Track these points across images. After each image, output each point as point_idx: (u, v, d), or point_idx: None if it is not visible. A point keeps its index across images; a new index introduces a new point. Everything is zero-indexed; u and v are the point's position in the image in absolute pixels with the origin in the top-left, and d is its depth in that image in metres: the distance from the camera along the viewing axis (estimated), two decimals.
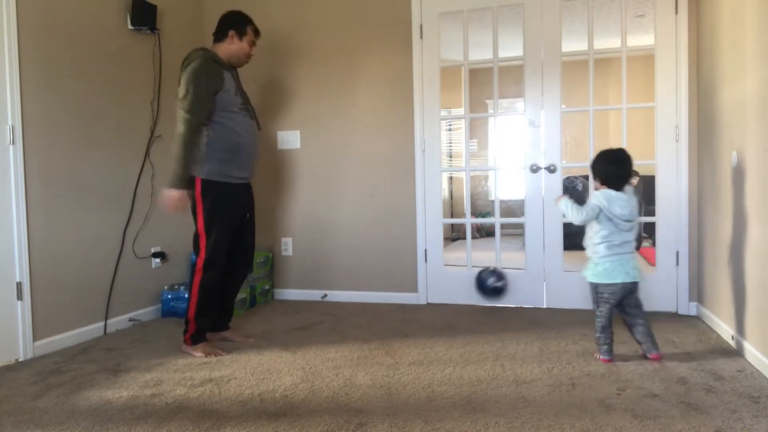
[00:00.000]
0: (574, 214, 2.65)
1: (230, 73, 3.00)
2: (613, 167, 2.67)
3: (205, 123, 2.84)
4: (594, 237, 2.67)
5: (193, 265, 2.95)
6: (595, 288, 2.68)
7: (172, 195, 2.80)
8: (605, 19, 5.59)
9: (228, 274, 3.04)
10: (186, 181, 2.82)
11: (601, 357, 2.71)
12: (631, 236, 2.65)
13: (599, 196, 2.64)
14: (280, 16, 4.27)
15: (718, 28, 3.12)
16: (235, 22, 3.02)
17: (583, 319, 3.52)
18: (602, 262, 2.63)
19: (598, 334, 2.71)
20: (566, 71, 3.83)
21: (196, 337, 2.95)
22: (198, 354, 2.92)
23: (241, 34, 3.03)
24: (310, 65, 4.22)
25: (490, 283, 3.18)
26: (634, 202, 2.66)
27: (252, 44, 3.08)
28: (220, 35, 3.04)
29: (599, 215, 2.62)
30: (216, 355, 2.91)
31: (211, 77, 2.85)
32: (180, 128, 2.81)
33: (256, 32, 3.11)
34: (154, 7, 3.76)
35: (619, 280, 2.60)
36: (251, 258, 3.22)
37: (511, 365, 2.67)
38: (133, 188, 3.68)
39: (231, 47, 3.02)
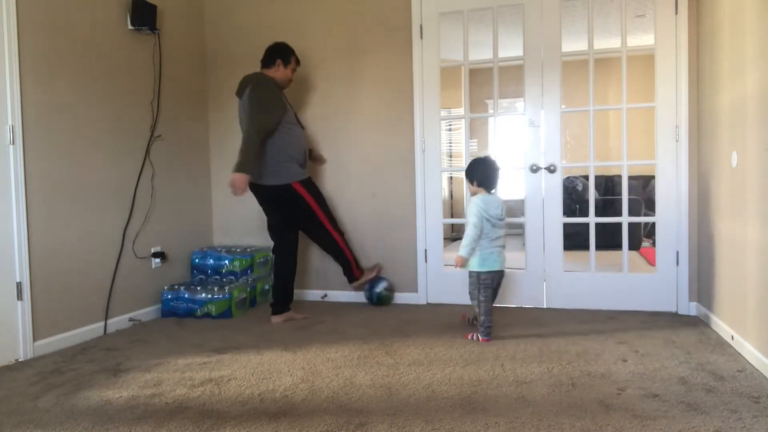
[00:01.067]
0: (471, 243, 3.02)
1: (282, 94, 3.59)
2: (487, 171, 3.10)
3: (270, 132, 3.42)
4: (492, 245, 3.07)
5: (330, 236, 3.75)
6: (478, 276, 3.08)
7: (237, 176, 3.30)
8: (605, 19, 5.59)
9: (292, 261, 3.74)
10: (250, 165, 3.34)
11: (482, 338, 3.06)
12: (503, 232, 3.12)
13: (477, 201, 3.04)
14: (280, 16, 4.27)
15: (718, 28, 3.12)
16: (282, 52, 3.60)
17: (583, 319, 3.52)
18: (485, 254, 3.05)
19: (484, 317, 3.07)
20: (566, 71, 3.83)
21: (281, 308, 3.63)
22: (283, 319, 3.60)
23: (285, 63, 3.61)
24: (310, 65, 4.22)
25: (378, 290, 3.94)
26: (502, 204, 3.13)
27: (293, 71, 3.67)
28: (268, 62, 3.60)
29: (485, 223, 3.03)
30: (303, 317, 3.69)
31: (278, 94, 3.49)
32: (248, 135, 3.35)
33: (298, 62, 3.71)
34: (154, 7, 3.76)
35: (497, 268, 3.08)
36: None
37: (511, 365, 2.67)
38: (133, 188, 3.69)
39: (276, 73, 3.58)
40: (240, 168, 3.31)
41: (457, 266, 3.10)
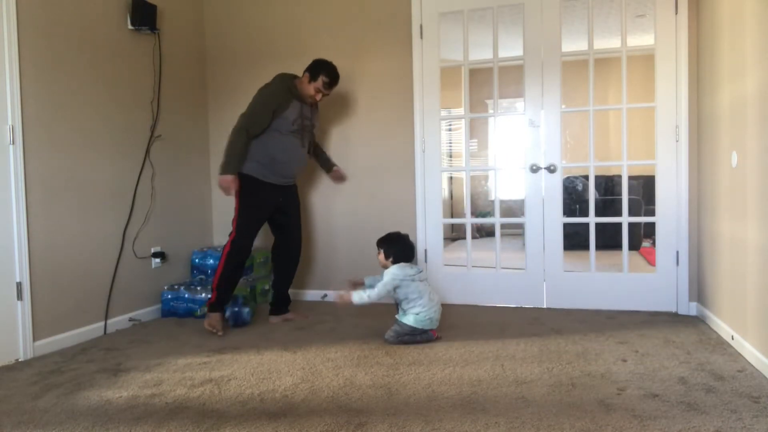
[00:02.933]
0: (373, 297, 3.06)
1: (300, 103, 3.47)
2: (405, 249, 3.19)
3: (252, 137, 3.36)
4: (411, 298, 3.06)
5: (224, 244, 3.46)
6: (412, 330, 3.05)
7: (224, 178, 3.32)
8: (605, 19, 5.59)
9: (278, 268, 3.70)
10: (233, 168, 3.32)
11: None
12: (429, 286, 3.16)
13: (392, 271, 3.08)
14: (280, 15, 4.28)
15: (718, 28, 3.12)
16: (313, 68, 3.46)
17: (583, 319, 3.52)
18: (427, 313, 3.06)
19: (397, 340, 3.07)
20: (566, 71, 3.83)
21: (214, 306, 3.39)
22: (206, 324, 3.35)
23: (311, 80, 3.45)
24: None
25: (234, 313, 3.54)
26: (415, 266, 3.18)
27: (318, 91, 3.46)
28: (304, 71, 3.50)
29: (400, 283, 3.04)
30: (216, 331, 3.31)
31: (272, 101, 3.37)
32: (235, 130, 3.34)
33: (327, 85, 3.47)
34: (154, 7, 3.76)
35: (428, 327, 3.08)
36: (297, 252, 3.73)
37: (511, 365, 2.67)
38: (133, 188, 3.68)
39: (302, 85, 3.48)
40: (222, 170, 3.33)
41: (339, 301, 3.15)
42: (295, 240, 3.70)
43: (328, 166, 3.98)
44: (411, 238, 4.04)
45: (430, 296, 3.09)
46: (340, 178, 4.08)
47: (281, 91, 3.42)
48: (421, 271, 3.14)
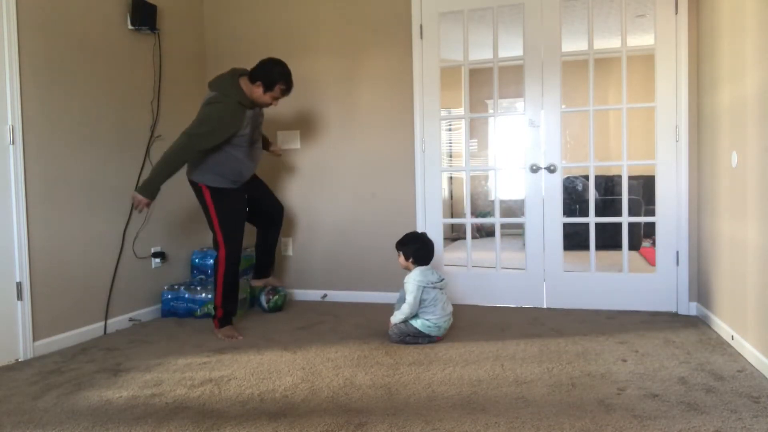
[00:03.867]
0: (407, 312, 3.02)
1: (252, 111, 3.25)
2: (424, 248, 3.16)
3: (184, 162, 3.15)
4: (426, 304, 3.04)
5: (216, 260, 3.32)
6: (417, 332, 3.04)
7: (138, 197, 3.08)
8: (605, 19, 5.59)
9: (264, 235, 3.68)
10: (154, 192, 3.11)
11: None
12: (446, 295, 3.15)
13: (416, 275, 3.05)
14: (280, 16, 4.27)
15: (718, 28, 3.12)
16: (267, 76, 3.15)
17: (583, 319, 3.52)
18: (436, 321, 3.04)
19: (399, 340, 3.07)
20: (566, 71, 3.83)
21: (223, 321, 3.33)
22: (220, 336, 3.27)
23: (266, 90, 3.19)
24: (310, 65, 4.22)
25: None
26: (436, 271, 3.16)
27: (275, 99, 3.25)
28: (252, 77, 3.19)
29: (424, 294, 3.03)
30: (235, 338, 3.24)
31: (229, 126, 3.12)
32: (176, 150, 3.07)
33: (284, 91, 3.26)
34: (154, 7, 3.76)
35: (435, 335, 3.07)
36: (280, 215, 3.71)
37: (511, 365, 2.67)
38: (133, 188, 3.68)
39: (254, 94, 3.20)
40: (143, 188, 3.08)
41: (390, 329, 3.10)
42: (274, 205, 3.67)
43: (265, 147, 3.72)
44: None
45: (444, 306, 3.08)
46: (276, 152, 3.84)
47: (233, 109, 3.12)
48: (443, 279, 3.12)
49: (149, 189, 3.08)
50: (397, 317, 3.06)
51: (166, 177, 3.09)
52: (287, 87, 3.25)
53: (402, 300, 3.10)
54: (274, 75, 3.16)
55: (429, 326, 3.04)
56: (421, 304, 3.04)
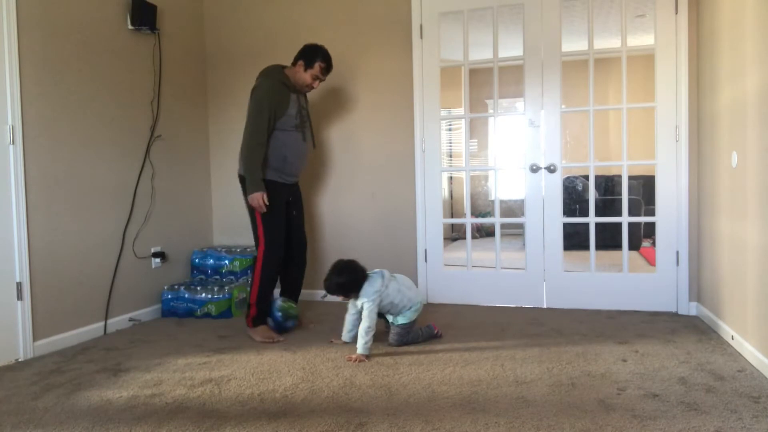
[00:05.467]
0: (371, 332, 2.84)
1: (296, 95, 3.33)
2: (349, 274, 2.95)
3: (263, 146, 3.19)
4: (396, 302, 2.94)
5: (255, 257, 3.30)
6: (411, 325, 3.00)
7: (255, 197, 3.17)
8: (605, 19, 5.59)
9: (286, 270, 3.48)
10: (261, 184, 3.18)
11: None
12: (394, 276, 3.03)
13: (367, 294, 2.88)
14: (280, 15, 4.28)
15: (718, 28, 3.12)
16: (307, 54, 3.30)
17: (583, 319, 3.52)
18: (413, 303, 2.98)
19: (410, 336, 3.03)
20: (566, 71, 3.83)
21: (256, 320, 3.26)
22: (258, 338, 3.19)
23: (307, 67, 3.30)
24: None
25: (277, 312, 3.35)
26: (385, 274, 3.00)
27: (315, 78, 3.33)
28: (294, 60, 3.34)
29: (385, 298, 2.91)
30: (273, 341, 3.17)
31: (276, 104, 3.21)
32: (247, 138, 3.18)
33: (324, 70, 3.34)
34: (154, 7, 3.76)
35: (420, 311, 3.05)
36: (302, 251, 3.54)
37: (511, 365, 2.67)
38: (133, 188, 3.68)
39: (296, 75, 3.32)
40: (250, 189, 3.16)
41: (357, 362, 2.77)
42: (300, 241, 3.51)
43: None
44: (411, 238, 4.08)
45: (405, 287, 2.97)
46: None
47: (276, 88, 3.22)
48: (382, 273, 2.97)
49: (254, 184, 3.16)
50: (362, 344, 2.81)
51: (256, 166, 3.16)
52: (327, 65, 3.33)
53: (354, 321, 2.98)
54: (314, 52, 3.30)
55: (415, 311, 2.98)
56: (392, 306, 2.93)
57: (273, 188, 3.25)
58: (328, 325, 3.51)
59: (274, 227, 3.28)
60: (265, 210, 3.19)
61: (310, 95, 4.22)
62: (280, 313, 3.30)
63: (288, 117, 3.26)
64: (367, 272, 2.98)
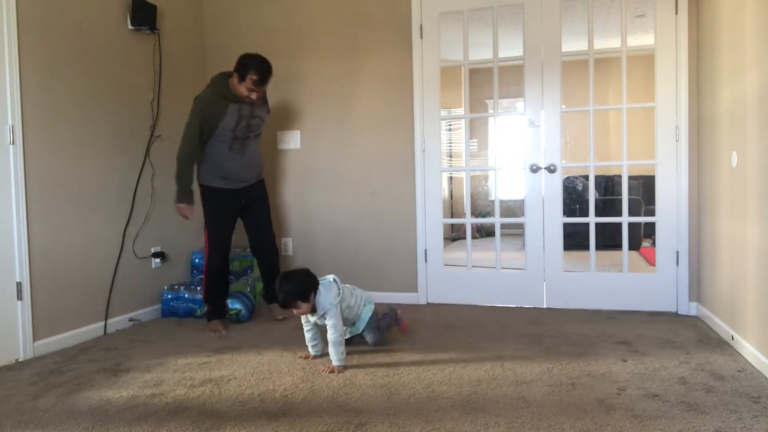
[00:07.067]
0: (340, 338, 2.71)
1: (237, 105, 3.32)
2: (303, 279, 2.74)
3: (194, 159, 3.33)
4: (352, 305, 2.87)
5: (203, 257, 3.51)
6: (377, 317, 2.97)
7: (178, 206, 3.36)
8: (605, 19, 5.59)
9: (260, 263, 3.71)
10: (186, 195, 3.32)
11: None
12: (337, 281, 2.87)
13: (326, 305, 2.71)
14: (279, 16, 4.28)
15: (718, 28, 3.12)
16: (240, 66, 3.27)
17: (583, 319, 3.52)
18: (366, 298, 2.96)
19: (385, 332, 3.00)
20: (566, 71, 3.83)
21: (209, 315, 3.50)
22: (210, 329, 3.42)
23: (240, 79, 3.26)
24: (309, 65, 4.22)
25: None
26: (335, 281, 2.84)
27: (250, 91, 3.26)
28: (233, 70, 3.31)
29: (344, 303, 2.81)
30: (217, 332, 3.37)
31: (208, 117, 3.26)
32: (180, 148, 3.31)
33: (257, 83, 3.25)
34: (154, 7, 3.76)
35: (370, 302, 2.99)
36: (270, 245, 3.67)
37: (511, 365, 2.67)
38: (133, 188, 3.68)
39: (234, 86, 3.30)
40: (176, 198, 3.33)
41: (337, 374, 2.62)
42: (266, 237, 3.64)
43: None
44: (411, 238, 4.08)
45: (348, 287, 2.90)
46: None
47: (209, 101, 3.27)
48: (334, 278, 2.83)
49: (180, 195, 3.31)
50: (338, 357, 2.67)
51: (184, 177, 3.30)
52: (259, 78, 3.23)
53: (315, 334, 2.87)
54: (246, 66, 3.23)
55: (370, 302, 2.95)
56: (350, 310, 2.86)
57: (216, 194, 3.42)
58: None
59: (218, 230, 3.46)
60: (187, 219, 3.42)
61: (311, 95, 4.22)
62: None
63: (222, 129, 3.28)
64: (313, 279, 2.78)
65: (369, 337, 2.96)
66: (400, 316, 3.07)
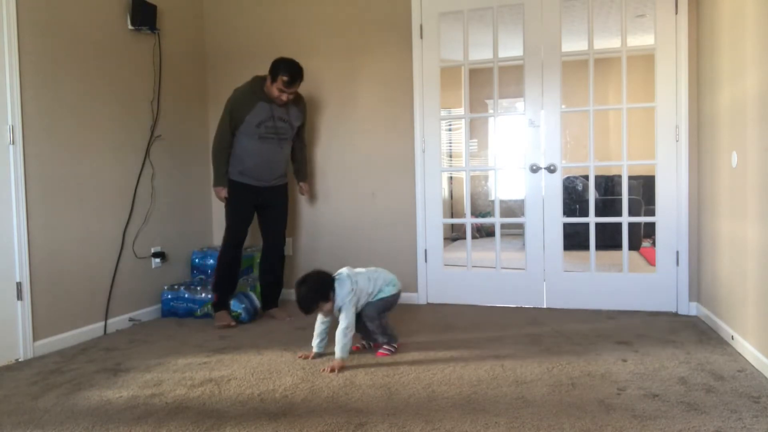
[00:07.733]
0: (350, 331, 2.73)
1: (269, 104, 3.50)
2: (320, 280, 2.78)
3: (225, 146, 3.54)
4: (370, 291, 2.85)
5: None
6: (383, 301, 2.88)
7: (215, 189, 3.62)
8: (605, 19, 5.59)
9: (262, 264, 3.81)
10: (221, 179, 3.56)
11: (394, 345, 2.94)
12: (352, 269, 2.91)
13: (342, 296, 2.74)
14: (280, 15, 4.27)
15: (718, 28, 3.12)
16: (272, 68, 3.45)
17: (583, 319, 3.52)
18: (389, 279, 2.94)
19: (389, 333, 2.93)
20: (566, 71, 3.83)
21: (216, 306, 3.59)
22: (216, 323, 3.53)
23: (272, 81, 3.44)
24: (309, 65, 4.21)
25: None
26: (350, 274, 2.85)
27: (280, 91, 3.44)
28: (268, 72, 3.49)
29: (360, 294, 2.80)
30: (226, 325, 3.49)
31: (235, 111, 3.48)
32: (213, 145, 3.62)
33: (287, 84, 3.42)
34: (154, 7, 3.76)
35: (394, 292, 2.95)
36: (277, 249, 3.78)
37: (511, 365, 2.67)
38: (133, 188, 3.68)
39: (268, 87, 3.48)
40: (213, 182, 3.62)
41: (337, 372, 2.63)
42: (276, 240, 3.74)
43: (298, 177, 3.94)
44: (411, 238, 4.08)
45: (371, 272, 2.89)
46: (302, 193, 4.00)
47: (240, 96, 3.50)
48: (346, 271, 2.84)
49: (215, 179, 3.57)
50: (341, 347, 2.69)
51: (217, 162, 3.56)
52: (289, 79, 3.40)
53: (326, 330, 2.88)
54: (278, 66, 3.42)
55: (394, 285, 2.93)
56: (370, 295, 2.84)
57: (235, 187, 3.58)
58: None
59: (233, 222, 3.62)
60: (222, 201, 3.61)
61: (311, 95, 4.22)
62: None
63: (248, 124, 3.47)
64: (330, 279, 2.81)
65: (376, 332, 2.90)
66: (381, 344, 2.94)
